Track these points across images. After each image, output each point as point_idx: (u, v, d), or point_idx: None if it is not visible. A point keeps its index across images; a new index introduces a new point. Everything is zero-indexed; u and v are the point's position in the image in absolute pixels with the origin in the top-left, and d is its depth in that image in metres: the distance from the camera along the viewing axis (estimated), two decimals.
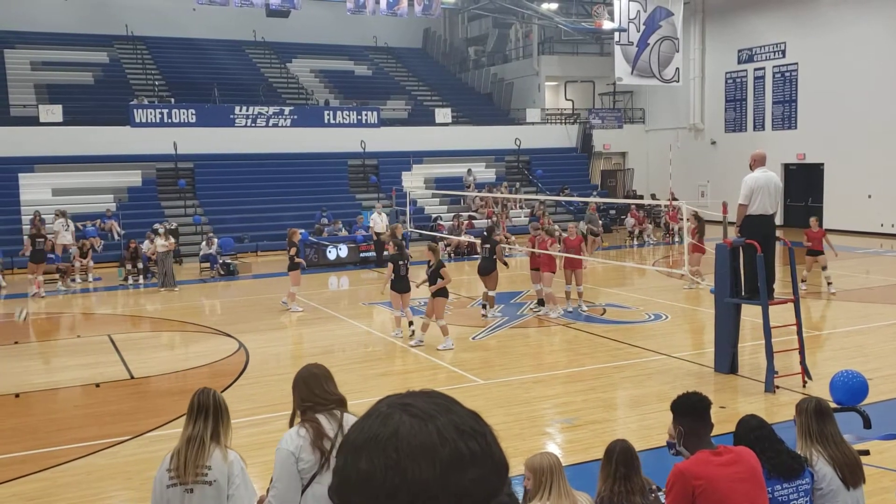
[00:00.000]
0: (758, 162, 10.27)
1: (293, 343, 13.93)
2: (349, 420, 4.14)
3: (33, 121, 26.92)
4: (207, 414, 4.14)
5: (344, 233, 24.72)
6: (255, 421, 9.15)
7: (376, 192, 28.87)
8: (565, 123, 35.68)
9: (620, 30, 28.97)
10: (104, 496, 7.34)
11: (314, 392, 4.09)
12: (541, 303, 15.26)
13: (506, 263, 15.54)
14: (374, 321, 15.39)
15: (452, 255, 24.42)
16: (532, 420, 9.08)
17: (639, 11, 29.23)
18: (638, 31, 29.23)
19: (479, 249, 16.95)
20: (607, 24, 29.51)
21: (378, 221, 22.96)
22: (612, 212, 26.43)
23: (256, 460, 7.95)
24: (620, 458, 4.39)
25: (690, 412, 4.02)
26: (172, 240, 19.87)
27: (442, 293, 12.50)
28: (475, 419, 1.10)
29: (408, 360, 12.03)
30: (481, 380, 10.72)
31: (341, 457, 1.08)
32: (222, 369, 11.71)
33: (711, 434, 4.09)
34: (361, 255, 23.07)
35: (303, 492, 3.91)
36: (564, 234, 15.73)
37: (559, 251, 14.90)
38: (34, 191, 25.12)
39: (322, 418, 4.01)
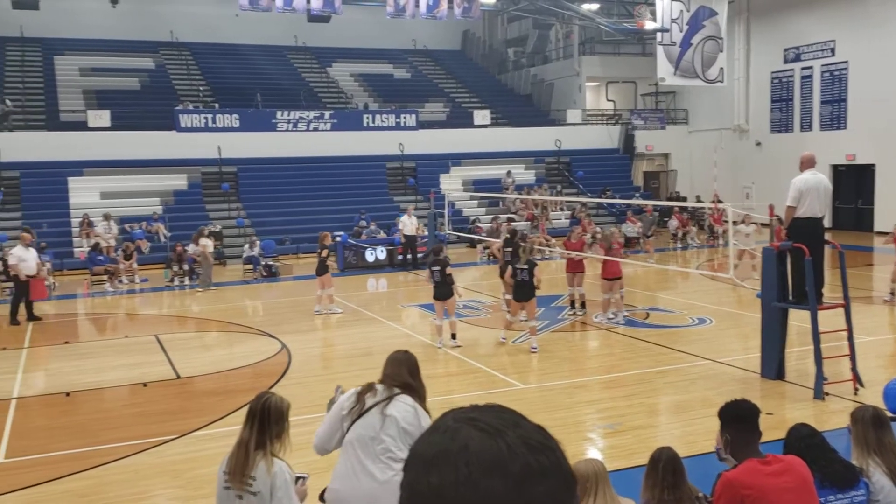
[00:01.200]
0: (806, 163, 10.07)
1: (334, 344, 14.03)
2: (401, 400, 4.25)
3: (82, 126, 27.51)
4: (255, 421, 4.13)
5: (382, 235, 24.85)
6: (297, 421, 9.14)
7: (414, 195, 28.96)
8: (607, 124, 35.43)
9: (663, 30, 28.68)
10: (151, 494, 7.46)
11: (385, 371, 4.56)
12: (574, 304, 15.18)
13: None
14: (413, 323, 15.43)
15: (491, 258, 24.36)
16: (574, 425, 9.02)
17: (682, 11, 28.91)
18: (681, 31, 28.90)
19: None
20: (649, 25, 29.24)
21: (408, 224, 22.99)
22: (655, 214, 26.16)
23: (299, 460, 8.02)
24: (667, 466, 4.34)
25: (738, 420, 3.96)
26: (203, 242, 20.14)
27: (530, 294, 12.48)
28: (543, 434, 1.09)
29: (449, 363, 12.03)
30: (522, 384, 10.69)
31: (411, 471, 1.08)
32: (265, 370, 11.83)
33: (759, 442, 4.03)
34: (399, 257, 23.17)
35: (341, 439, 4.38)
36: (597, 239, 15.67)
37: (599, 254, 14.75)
38: (83, 194, 25.66)
39: (380, 387, 4.52)
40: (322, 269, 15.89)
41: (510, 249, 14.40)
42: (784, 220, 10.26)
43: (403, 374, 4.43)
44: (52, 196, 25.39)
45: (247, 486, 4.02)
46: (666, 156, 35.60)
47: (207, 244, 19.94)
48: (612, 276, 14.25)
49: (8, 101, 27.46)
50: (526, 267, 12.59)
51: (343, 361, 12.73)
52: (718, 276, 18.69)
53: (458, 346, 12.58)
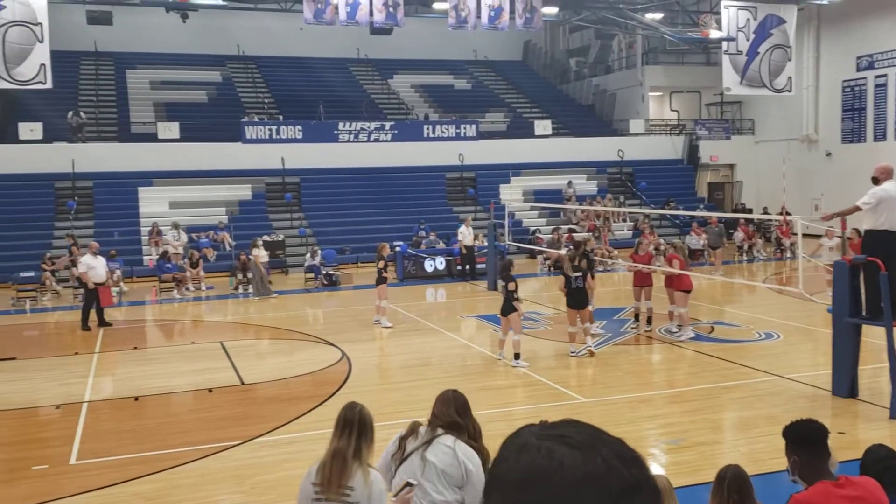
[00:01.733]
0: (884, 174, 9.72)
1: (393, 354, 14.08)
2: (440, 442, 4.20)
3: (152, 137, 28.30)
4: (352, 430, 4.09)
5: (441, 245, 24.91)
6: None
7: (474, 205, 28.98)
8: (670, 134, 34.94)
9: (729, 39, 28.19)
10: (216, 498, 7.59)
11: (434, 409, 4.45)
12: (639, 318, 14.88)
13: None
14: (472, 334, 15.41)
15: (552, 268, 24.23)
16: (637, 440, 8.88)
17: (748, 20, 28.37)
18: (747, 40, 28.35)
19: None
20: (715, 34, 28.77)
21: (466, 234, 22.98)
22: (721, 225, 25.61)
23: None
24: (733, 485, 4.24)
25: (806, 441, 3.83)
26: (254, 252, 20.51)
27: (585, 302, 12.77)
28: (628, 446, 1.09)
29: (508, 375, 11.97)
30: (583, 397, 10.57)
31: (503, 493, 1.05)
32: (326, 378, 11.96)
33: (830, 463, 3.89)
34: (458, 267, 23.18)
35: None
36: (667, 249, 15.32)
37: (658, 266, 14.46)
38: (152, 204, 26.38)
39: (423, 429, 4.39)
40: (379, 280, 15.94)
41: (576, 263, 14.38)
42: (845, 212, 9.95)
43: (451, 414, 4.33)
44: (123, 205, 26.16)
45: (344, 496, 3.98)
46: (731, 166, 34.92)
47: (258, 254, 20.28)
48: (688, 287, 13.83)
49: (82, 114, 28.41)
50: (580, 274, 12.72)
51: (402, 371, 12.78)
52: (786, 289, 18.23)
53: (524, 366, 12.10)
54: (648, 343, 14.05)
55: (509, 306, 12.26)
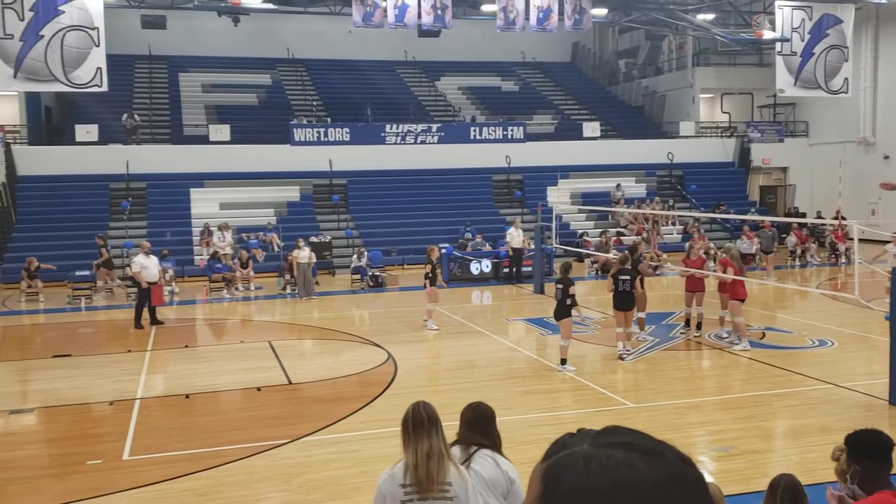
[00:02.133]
0: None
1: (439, 356, 14.10)
2: (480, 455, 4.18)
3: (204, 139, 28.79)
4: (434, 428, 4.09)
5: (488, 248, 24.87)
6: None
7: (520, 208, 28.89)
8: (721, 137, 34.41)
9: (783, 39, 27.68)
10: (264, 497, 7.68)
11: (460, 431, 4.34)
12: (689, 323, 14.62)
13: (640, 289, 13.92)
14: (519, 338, 15.36)
15: (599, 272, 24.04)
16: (686, 447, 8.66)
17: (803, 20, 27.82)
18: (802, 41, 27.80)
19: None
20: (768, 34, 28.26)
21: (515, 236, 22.88)
22: (774, 230, 25.12)
23: None
24: (786, 494, 4.16)
25: (870, 452, 3.74)
26: (294, 253, 20.70)
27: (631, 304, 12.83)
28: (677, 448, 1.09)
29: (555, 379, 11.90)
30: (631, 403, 10.46)
31: None
32: (372, 379, 12.02)
33: (891, 474, 3.80)
34: (504, 270, 23.11)
35: None
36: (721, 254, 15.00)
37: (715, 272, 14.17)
38: (203, 205, 26.83)
39: (456, 449, 4.28)
40: (429, 283, 15.93)
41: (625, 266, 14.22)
42: None
43: (475, 437, 4.32)
44: (175, 206, 26.65)
45: (443, 492, 3.99)
46: (784, 170, 34.25)
47: (299, 255, 20.45)
48: (742, 296, 13.37)
49: (136, 116, 29.03)
50: (627, 277, 12.76)
51: (448, 373, 12.79)
52: (841, 295, 17.80)
53: (570, 371, 11.97)
54: (698, 349, 13.84)
55: (564, 310, 12.09)
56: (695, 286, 14.43)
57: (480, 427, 4.33)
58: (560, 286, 12.11)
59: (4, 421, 10.35)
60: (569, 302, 11.96)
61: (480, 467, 4.19)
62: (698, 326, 14.45)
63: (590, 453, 1.05)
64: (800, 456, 8.31)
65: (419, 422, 4.08)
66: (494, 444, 4.33)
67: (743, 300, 13.45)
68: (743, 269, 14.02)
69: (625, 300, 12.81)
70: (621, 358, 12.65)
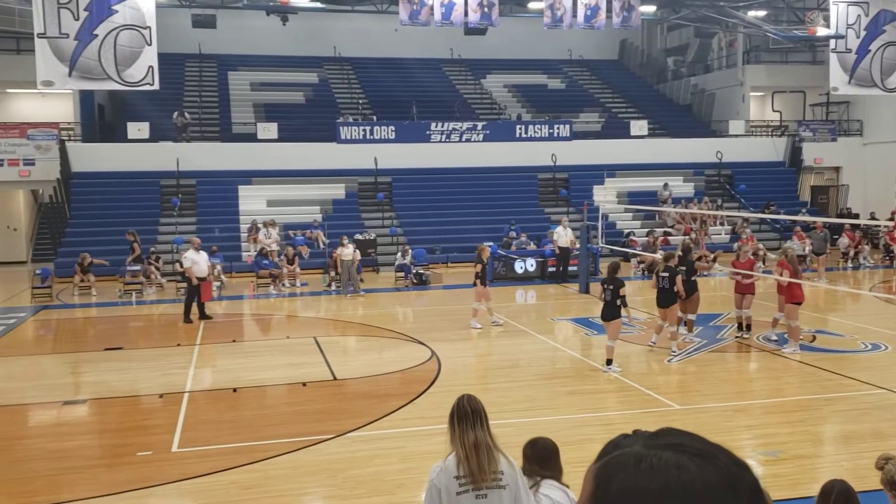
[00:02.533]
0: None
1: (482, 355, 14.09)
2: (547, 482, 4.19)
3: (252, 137, 29.17)
4: (481, 420, 4.22)
5: (532, 247, 24.77)
6: (446, 429, 9.33)
7: (566, 206, 28.72)
8: (772, 136, 33.79)
9: (837, 36, 27.07)
10: (309, 491, 7.77)
11: (524, 464, 4.37)
12: (741, 328, 14.32)
13: (682, 296, 13.73)
14: (565, 337, 15.28)
15: (646, 272, 23.79)
16: (732, 450, 8.61)
17: (859, 16, 27.16)
18: (857, 37, 27.16)
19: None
20: (822, 31, 27.66)
21: (562, 235, 22.73)
22: (826, 231, 24.59)
23: None
24: (839, 500, 4.08)
25: None
26: (338, 251, 20.87)
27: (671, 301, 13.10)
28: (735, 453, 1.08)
29: (600, 380, 11.82)
30: (677, 405, 10.34)
31: None
32: (416, 376, 12.06)
33: None
34: (550, 269, 22.99)
35: None
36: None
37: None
38: (251, 202, 27.20)
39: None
40: (476, 283, 15.82)
41: (684, 268, 14.07)
42: None
43: (537, 470, 4.34)
44: (223, 203, 27.07)
45: (497, 480, 4.13)
46: (837, 169, 33.51)
47: (342, 252, 20.59)
48: (798, 300, 13.07)
49: (187, 114, 29.52)
50: (667, 275, 12.99)
51: (491, 372, 12.79)
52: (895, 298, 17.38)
53: (616, 371, 11.86)
54: (746, 351, 13.62)
55: (615, 311, 11.97)
56: (744, 289, 14.18)
57: (540, 462, 4.35)
58: (610, 287, 11.99)
59: (58, 411, 10.62)
60: (618, 303, 11.88)
61: (549, 490, 4.22)
62: (747, 328, 14.24)
63: (641, 454, 1.05)
64: (851, 462, 8.13)
65: (463, 414, 4.19)
66: (555, 476, 4.32)
67: (800, 303, 13.14)
68: (799, 272, 13.68)
69: (661, 297, 13.17)
70: (651, 346, 12.78)
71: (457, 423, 4.19)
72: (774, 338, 13.76)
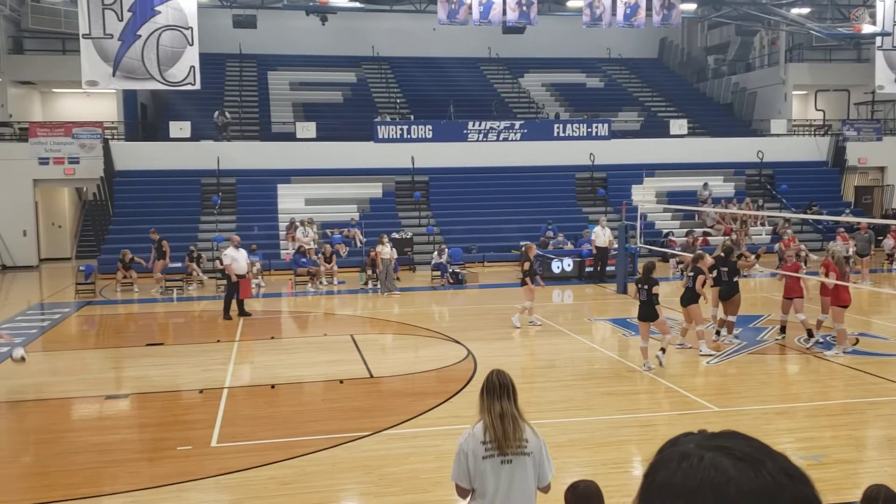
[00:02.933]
0: None
1: (518, 354, 14.05)
2: None
3: (291, 136, 29.45)
4: (509, 393, 4.51)
5: (569, 246, 24.64)
6: None
7: (604, 206, 28.53)
8: (815, 135, 33.22)
9: (884, 34, 26.56)
10: (345, 487, 7.83)
11: None
12: (784, 330, 13.98)
13: (706, 298, 13.60)
14: (603, 338, 15.19)
15: (685, 272, 23.54)
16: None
17: None
18: None
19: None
20: (867, 28, 27.15)
21: (601, 235, 22.59)
22: (870, 232, 24.09)
23: None
24: None
25: None
26: (377, 249, 20.91)
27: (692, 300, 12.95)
28: (793, 463, 1.05)
29: (635, 380, 11.73)
30: (716, 407, 10.22)
31: (666, 502, 1.04)
32: (451, 375, 12.08)
33: None
34: (588, 269, 22.86)
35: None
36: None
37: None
38: (290, 200, 27.46)
39: None
40: (524, 281, 15.73)
41: (726, 269, 13.91)
42: None
43: None
44: (262, 201, 27.36)
45: (522, 447, 4.45)
46: (882, 169, 32.82)
47: (381, 250, 20.68)
48: (845, 303, 12.78)
49: (227, 114, 29.88)
50: (692, 274, 13.01)
51: (527, 372, 12.75)
52: None
53: (659, 362, 11.88)
54: (784, 353, 13.41)
55: (652, 311, 11.90)
56: (791, 292, 13.70)
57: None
58: (645, 286, 11.94)
59: (101, 405, 10.83)
60: (657, 301, 11.88)
61: None
62: (782, 329, 13.92)
63: (687, 452, 1.05)
64: (895, 468, 7.98)
65: (492, 387, 4.51)
66: None
67: (846, 306, 12.85)
68: (846, 274, 13.32)
69: (683, 296, 13.23)
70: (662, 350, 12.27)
71: (486, 395, 4.51)
72: (821, 340, 13.47)
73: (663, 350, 12.09)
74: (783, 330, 14.05)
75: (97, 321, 18.29)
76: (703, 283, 13.02)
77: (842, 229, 24.86)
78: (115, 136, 29.12)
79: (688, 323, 13.28)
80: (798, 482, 1.02)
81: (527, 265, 15.68)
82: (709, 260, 13.78)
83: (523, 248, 16.30)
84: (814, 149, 32.27)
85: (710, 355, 12.86)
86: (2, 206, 26.88)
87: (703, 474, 1.02)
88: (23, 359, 11.25)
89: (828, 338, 13.56)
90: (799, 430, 9.35)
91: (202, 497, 7.59)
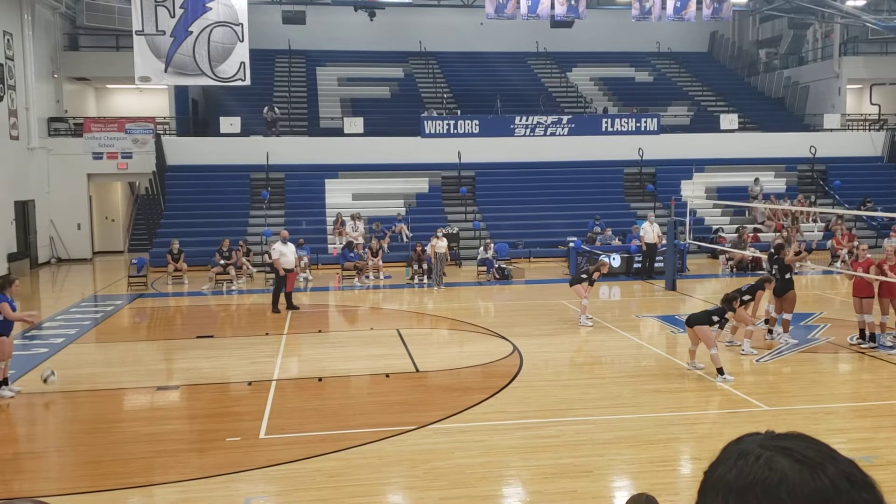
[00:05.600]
0: None
1: (565, 350, 13.96)
2: None
3: (339, 132, 29.68)
4: None
5: (617, 242, 24.43)
6: (528, 424, 9.35)
7: (652, 202, 28.22)
8: (869, 130, 32.42)
9: None
10: (391, 481, 7.89)
11: None
12: (864, 336, 13.25)
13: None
14: (650, 335, 15.04)
15: (734, 269, 23.20)
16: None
17: None
18: None
19: (764, 266, 15.89)
20: None
21: (649, 231, 22.37)
22: None
23: (528, 463, 8.13)
24: None
25: None
26: (432, 242, 21.04)
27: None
28: (861, 469, 1.04)
29: (683, 378, 11.60)
30: (766, 405, 10.06)
31: (717, 498, 1.05)
32: (497, 371, 12.08)
33: None
34: (635, 265, 22.64)
35: None
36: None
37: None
38: (337, 195, 27.69)
39: None
40: (576, 280, 15.93)
41: (776, 266, 13.69)
42: None
43: None
44: (310, 196, 27.64)
45: None
46: None
47: (436, 244, 20.80)
48: None
49: (276, 109, 30.24)
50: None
51: (573, 369, 12.70)
52: None
53: (730, 380, 11.14)
54: (838, 352, 13.13)
55: (705, 319, 11.68)
56: (861, 291, 13.12)
57: None
58: (721, 309, 11.98)
59: (152, 396, 11.07)
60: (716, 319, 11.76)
61: None
62: (871, 337, 13.14)
63: (747, 450, 1.06)
64: None
65: None
66: None
67: None
68: None
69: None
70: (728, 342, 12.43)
71: None
72: (890, 343, 13.09)
73: (720, 370, 11.45)
74: (863, 335, 13.27)
75: (148, 313, 18.68)
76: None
77: None
78: (167, 132, 29.67)
79: (737, 321, 13.05)
80: (860, 488, 1.00)
81: (596, 275, 15.77)
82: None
83: (599, 263, 16.41)
84: (868, 144, 31.50)
85: (752, 354, 12.65)
86: (57, 199, 27.59)
87: (757, 473, 1.02)
88: (46, 381, 10.89)
89: (890, 337, 13.18)
90: (850, 430, 9.17)
91: (250, 488, 7.72)
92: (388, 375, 11.75)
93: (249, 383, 11.48)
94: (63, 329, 16.01)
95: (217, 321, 17.66)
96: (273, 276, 18.40)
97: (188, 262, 22.62)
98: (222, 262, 21.89)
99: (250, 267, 22.82)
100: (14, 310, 11.11)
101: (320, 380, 11.60)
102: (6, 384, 11.05)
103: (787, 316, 13.70)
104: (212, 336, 15.10)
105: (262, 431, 9.25)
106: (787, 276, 13.75)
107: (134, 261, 22.47)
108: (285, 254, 17.69)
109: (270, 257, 18.64)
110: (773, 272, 13.82)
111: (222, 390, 11.40)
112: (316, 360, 13.05)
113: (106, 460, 8.51)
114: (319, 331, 15.64)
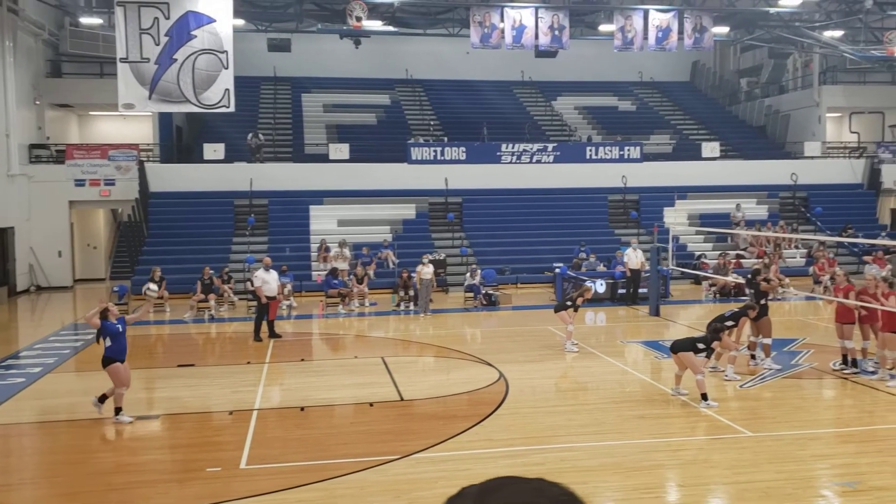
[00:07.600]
0: None
1: (550, 376, 13.92)
2: None
3: (324, 158, 29.70)
4: None
5: (602, 268, 24.50)
6: (512, 452, 9.29)
7: (636, 228, 28.37)
8: (849, 158, 32.81)
9: None
10: None
11: None
12: (846, 361, 13.25)
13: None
14: (634, 360, 15.03)
15: (717, 295, 23.29)
16: (806, 480, 8.35)
17: None
18: None
19: (746, 292, 15.97)
20: None
21: (633, 257, 22.48)
22: None
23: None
24: None
25: None
26: (418, 269, 21.06)
27: None
28: (567, 490, 1.06)
29: (668, 404, 11.57)
30: (750, 431, 10.04)
31: None
32: (483, 398, 12.01)
33: None
34: (619, 291, 22.70)
35: None
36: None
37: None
38: (322, 221, 27.64)
39: None
40: (561, 306, 16.12)
41: (752, 291, 13.78)
42: None
43: None
44: (295, 222, 27.57)
45: None
46: None
47: (422, 270, 20.80)
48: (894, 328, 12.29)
49: (261, 136, 30.24)
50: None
51: (558, 395, 12.66)
52: None
53: (713, 406, 11.11)
54: (822, 378, 13.16)
55: (689, 346, 11.62)
56: (844, 318, 13.18)
57: None
58: (707, 338, 11.76)
59: (132, 426, 10.91)
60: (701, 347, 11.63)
61: None
62: (852, 363, 13.16)
63: None
64: None
65: None
66: None
67: (893, 332, 12.32)
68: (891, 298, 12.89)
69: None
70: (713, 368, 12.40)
71: None
72: (871, 368, 13.11)
73: (704, 396, 11.39)
74: (845, 360, 13.28)
75: (129, 342, 18.41)
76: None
77: (880, 252, 24.47)
78: (151, 158, 29.58)
79: (721, 348, 13.03)
80: None
81: (580, 300, 15.84)
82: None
83: (583, 288, 16.41)
84: (848, 171, 31.87)
85: (735, 379, 12.66)
86: (38, 227, 27.38)
87: None
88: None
89: (871, 363, 13.22)
90: (833, 455, 9.16)
91: None
92: (371, 404, 11.65)
93: (231, 412, 11.35)
94: (41, 358, 15.81)
95: (198, 349, 17.50)
96: (255, 303, 18.27)
97: (170, 289, 22.43)
98: (202, 293, 21.73)
99: (232, 294, 22.66)
100: (124, 323, 11.69)
101: (303, 409, 11.49)
102: (121, 411, 11.01)
103: (766, 340, 13.73)
104: (193, 365, 14.95)
105: (244, 461, 9.13)
106: (763, 301, 13.83)
107: (115, 288, 22.28)
108: (268, 281, 17.57)
109: (252, 284, 18.52)
110: (751, 297, 13.93)
111: (203, 420, 11.26)
112: (298, 388, 12.93)
113: (84, 492, 8.37)
114: (302, 359, 15.52)
